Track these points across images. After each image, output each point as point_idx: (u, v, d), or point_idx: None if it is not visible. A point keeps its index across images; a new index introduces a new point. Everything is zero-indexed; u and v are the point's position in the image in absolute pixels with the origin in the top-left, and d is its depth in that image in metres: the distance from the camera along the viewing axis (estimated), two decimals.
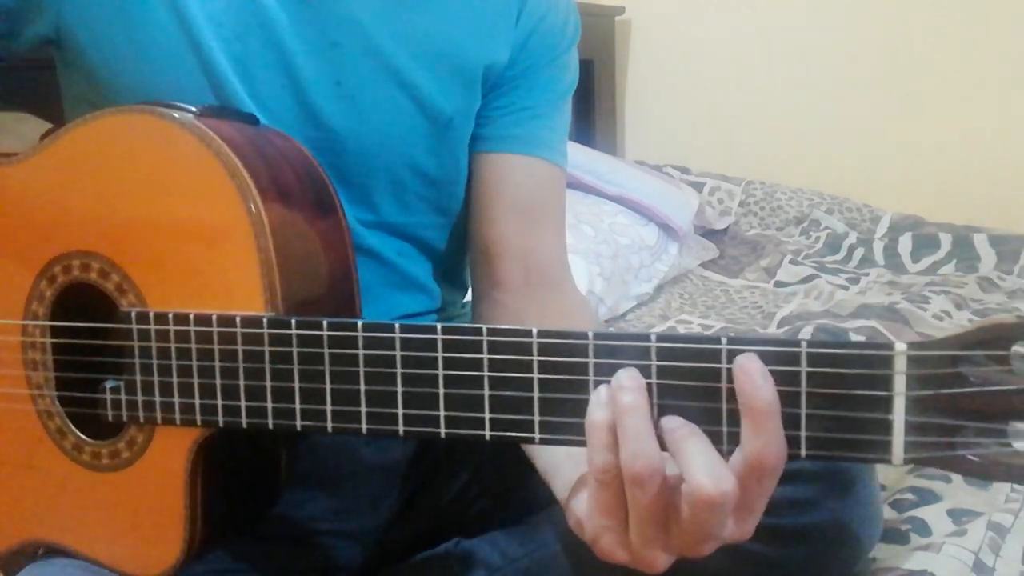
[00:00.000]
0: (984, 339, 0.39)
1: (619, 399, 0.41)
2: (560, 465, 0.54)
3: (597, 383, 0.43)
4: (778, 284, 1.78)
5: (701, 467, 0.40)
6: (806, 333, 1.31)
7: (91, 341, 0.56)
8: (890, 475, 0.90)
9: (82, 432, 0.57)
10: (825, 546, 0.60)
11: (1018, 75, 1.85)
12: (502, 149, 0.71)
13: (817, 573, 0.61)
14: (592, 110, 2.19)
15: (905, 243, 1.84)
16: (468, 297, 0.79)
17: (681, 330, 1.50)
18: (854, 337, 1.25)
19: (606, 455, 0.42)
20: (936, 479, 0.86)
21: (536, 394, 0.44)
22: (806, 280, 1.75)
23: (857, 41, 2.01)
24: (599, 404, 0.42)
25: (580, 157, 1.81)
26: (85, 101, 0.63)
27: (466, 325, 0.46)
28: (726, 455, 0.41)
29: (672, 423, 0.42)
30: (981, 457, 0.38)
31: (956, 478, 0.85)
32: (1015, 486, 0.85)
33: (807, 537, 0.59)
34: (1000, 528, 0.75)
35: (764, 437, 0.40)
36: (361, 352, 0.47)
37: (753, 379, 0.40)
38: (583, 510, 0.46)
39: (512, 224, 0.71)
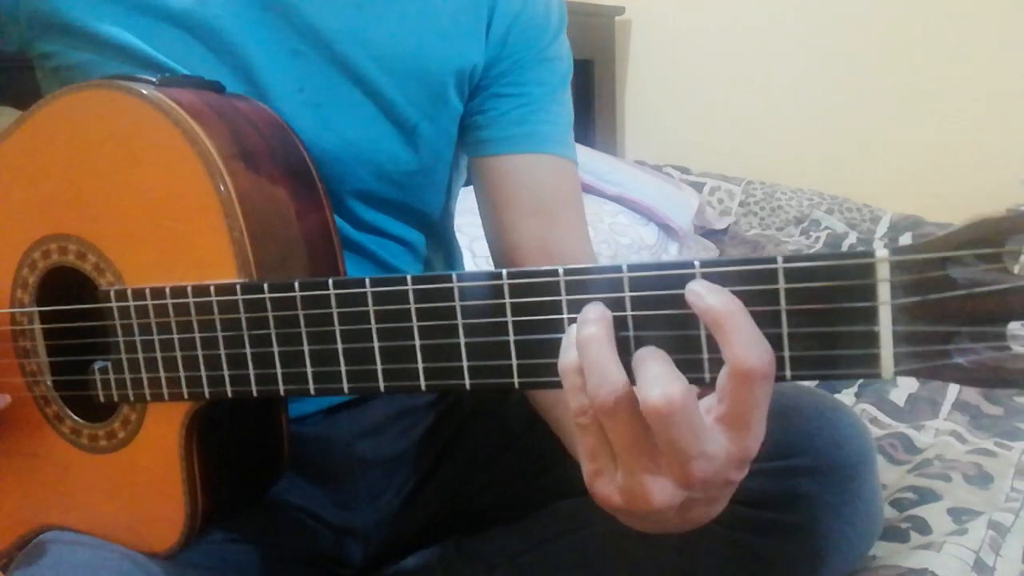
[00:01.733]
0: (973, 238, 0.36)
1: (580, 334, 0.40)
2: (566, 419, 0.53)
3: (571, 321, 0.41)
4: None
5: (648, 379, 0.38)
6: None
7: (78, 323, 0.56)
8: (891, 475, 0.90)
9: (80, 415, 0.57)
10: (825, 541, 0.59)
11: (1019, 75, 1.82)
12: (505, 151, 0.69)
13: (816, 568, 0.60)
14: (592, 110, 2.19)
15: (905, 243, 1.79)
16: None
17: None
18: None
19: (580, 397, 0.40)
20: (936, 479, 0.85)
21: (512, 338, 0.43)
22: None
23: (857, 41, 1.99)
24: (568, 345, 0.41)
25: (580, 157, 1.78)
26: None
27: (437, 274, 0.44)
28: (710, 383, 0.40)
29: (639, 353, 0.40)
30: (975, 364, 0.36)
31: (956, 477, 0.85)
32: (1015, 486, 0.84)
33: (807, 532, 0.58)
34: (1000, 527, 0.74)
35: (738, 343, 0.37)
36: (335, 311, 0.46)
37: (702, 297, 0.38)
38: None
39: (530, 226, 0.69)
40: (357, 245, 0.67)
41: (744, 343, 0.37)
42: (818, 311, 0.38)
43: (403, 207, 0.69)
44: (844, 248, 1.85)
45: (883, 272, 0.37)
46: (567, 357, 0.40)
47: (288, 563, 0.67)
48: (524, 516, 0.69)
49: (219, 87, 0.58)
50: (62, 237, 0.55)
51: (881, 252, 0.37)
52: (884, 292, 0.37)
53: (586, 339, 0.39)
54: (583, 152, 1.86)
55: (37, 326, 0.57)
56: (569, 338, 0.41)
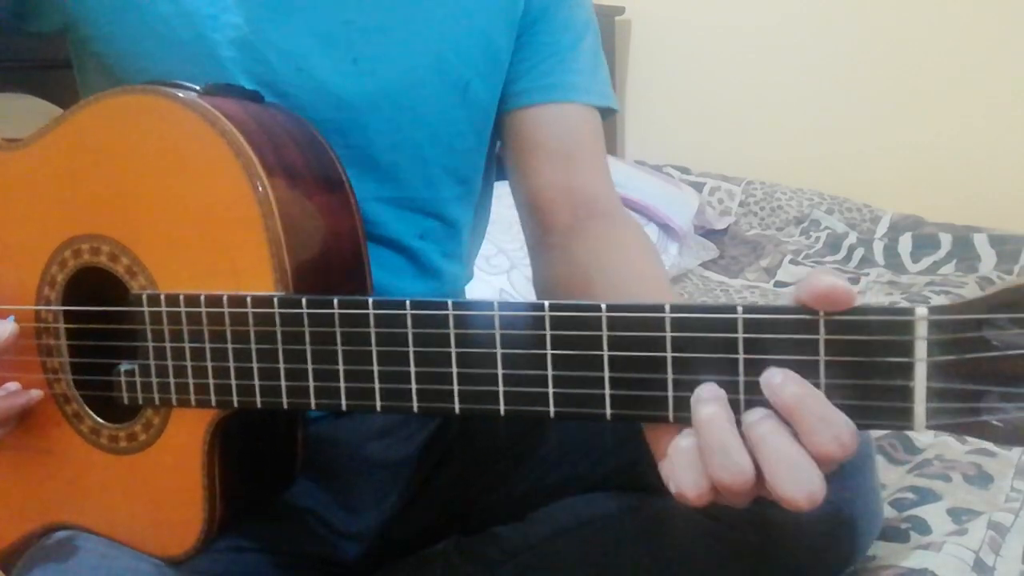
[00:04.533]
0: (1008, 301, 0.37)
1: (700, 414, 0.39)
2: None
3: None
4: (778, 284, 1.78)
5: (786, 477, 0.38)
6: None
7: (104, 325, 0.56)
8: (891, 475, 0.90)
9: (99, 415, 0.58)
10: (825, 540, 0.60)
11: (1019, 75, 1.83)
12: (534, 101, 0.70)
13: (816, 567, 0.61)
14: None
15: (905, 243, 1.82)
16: (469, 282, 0.80)
17: None
18: None
19: (696, 476, 0.40)
20: (936, 479, 0.86)
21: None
22: None
23: (857, 41, 2.00)
24: (685, 434, 0.41)
25: None
26: (97, 89, 0.63)
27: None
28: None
29: (752, 416, 0.40)
30: (1005, 422, 0.37)
31: (956, 477, 0.86)
32: (1015, 486, 0.85)
33: (806, 530, 0.59)
34: (1000, 527, 0.75)
35: (808, 431, 0.38)
36: (373, 330, 0.47)
37: (775, 389, 0.39)
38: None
39: (552, 169, 0.70)
40: (395, 237, 0.67)
41: (820, 431, 0.38)
42: (855, 364, 0.39)
43: (454, 173, 0.70)
44: (844, 248, 1.86)
45: (921, 330, 0.38)
46: (683, 442, 0.40)
47: (289, 567, 0.67)
48: (524, 515, 0.70)
49: (259, 97, 0.58)
50: (95, 237, 0.55)
51: (921, 311, 0.38)
52: (921, 349, 0.38)
53: (707, 419, 0.39)
54: None
55: (62, 324, 0.57)
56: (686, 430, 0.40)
